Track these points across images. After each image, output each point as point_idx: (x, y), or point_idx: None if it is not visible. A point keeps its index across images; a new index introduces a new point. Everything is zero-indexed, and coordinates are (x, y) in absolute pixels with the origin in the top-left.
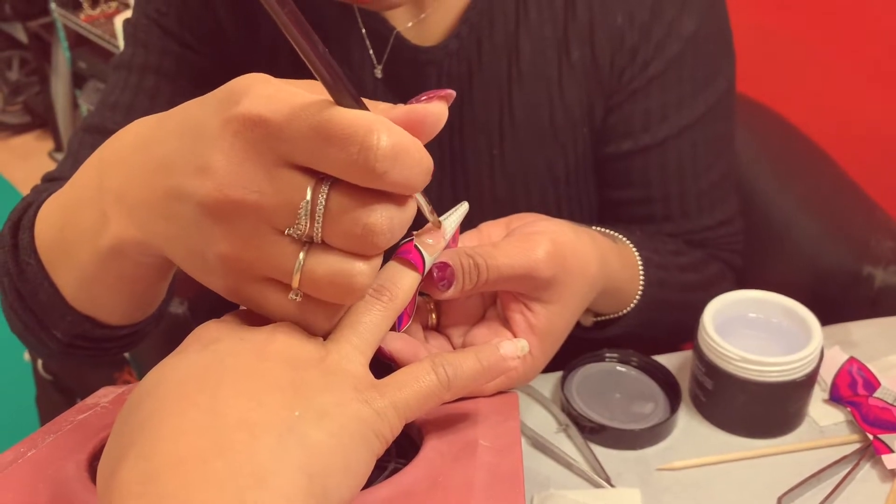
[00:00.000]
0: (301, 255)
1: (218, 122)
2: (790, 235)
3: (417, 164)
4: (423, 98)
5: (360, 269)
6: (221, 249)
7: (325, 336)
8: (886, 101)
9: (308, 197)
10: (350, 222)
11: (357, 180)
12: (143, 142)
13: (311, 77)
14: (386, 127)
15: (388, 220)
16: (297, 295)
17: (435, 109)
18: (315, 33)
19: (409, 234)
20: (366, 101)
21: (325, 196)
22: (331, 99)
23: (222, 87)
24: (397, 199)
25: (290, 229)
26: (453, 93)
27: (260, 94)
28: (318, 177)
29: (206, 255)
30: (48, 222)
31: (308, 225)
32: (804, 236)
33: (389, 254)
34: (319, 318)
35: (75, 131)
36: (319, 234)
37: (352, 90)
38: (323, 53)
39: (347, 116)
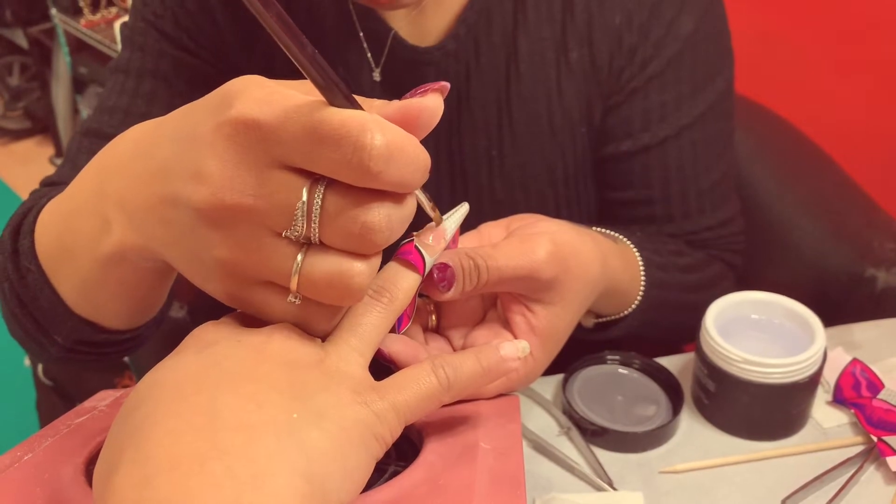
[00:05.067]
0: (299, 257)
1: (211, 126)
2: (792, 237)
3: (413, 161)
4: (419, 92)
5: (359, 269)
6: (219, 254)
7: (324, 338)
8: (887, 102)
9: (304, 198)
10: (347, 221)
11: (352, 180)
12: (141, 147)
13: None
14: (379, 125)
15: (386, 218)
16: (296, 298)
17: (430, 103)
18: (304, 35)
19: (408, 234)
20: (360, 99)
21: (320, 196)
22: (324, 100)
23: (217, 91)
24: (395, 196)
25: (287, 231)
26: (447, 85)
27: (252, 96)
28: (314, 178)
29: (204, 260)
30: (48, 228)
31: (305, 226)
32: (806, 238)
33: (389, 255)
34: (319, 320)
35: (73, 135)
36: (317, 235)
37: (344, 89)
38: (312, 54)
39: (340, 116)
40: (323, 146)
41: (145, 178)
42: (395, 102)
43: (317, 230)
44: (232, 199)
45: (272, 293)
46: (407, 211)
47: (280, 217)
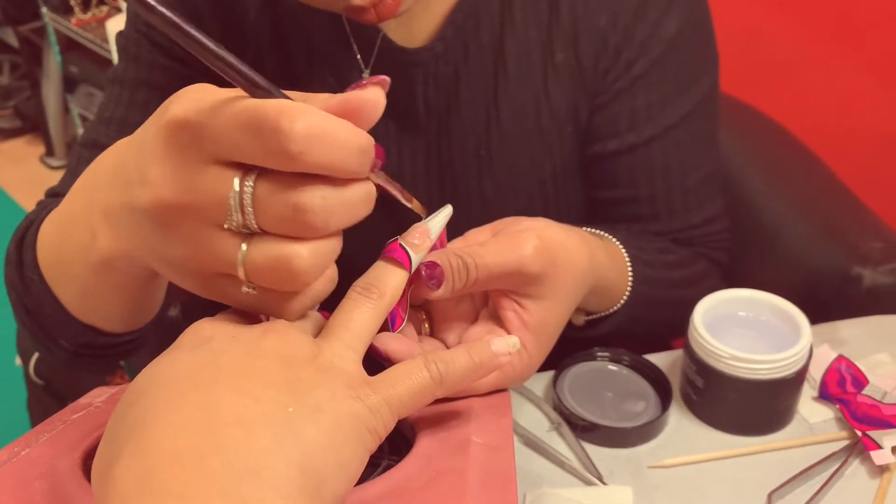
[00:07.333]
0: (243, 247)
1: (153, 131)
2: (780, 236)
3: (342, 143)
4: (360, 85)
5: (298, 251)
6: (175, 252)
7: (316, 334)
8: (875, 103)
9: (236, 188)
10: (279, 205)
11: (279, 165)
12: (118, 160)
13: (292, 90)
14: (299, 110)
15: (320, 199)
16: (250, 287)
17: (370, 95)
18: (295, 39)
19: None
20: (303, 95)
21: (251, 185)
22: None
23: (165, 101)
24: (332, 180)
25: (227, 223)
26: (388, 79)
27: (186, 98)
28: (246, 168)
29: (169, 259)
30: (47, 240)
31: (240, 215)
32: (794, 237)
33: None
34: (283, 306)
35: (74, 147)
36: (253, 222)
37: (265, 83)
38: (216, 50)
39: (258, 104)
40: (245, 134)
41: (118, 188)
42: (337, 95)
43: (252, 217)
44: (172, 198)
45: (231, 284)
46: (349, 194)
47: (218, 210)
